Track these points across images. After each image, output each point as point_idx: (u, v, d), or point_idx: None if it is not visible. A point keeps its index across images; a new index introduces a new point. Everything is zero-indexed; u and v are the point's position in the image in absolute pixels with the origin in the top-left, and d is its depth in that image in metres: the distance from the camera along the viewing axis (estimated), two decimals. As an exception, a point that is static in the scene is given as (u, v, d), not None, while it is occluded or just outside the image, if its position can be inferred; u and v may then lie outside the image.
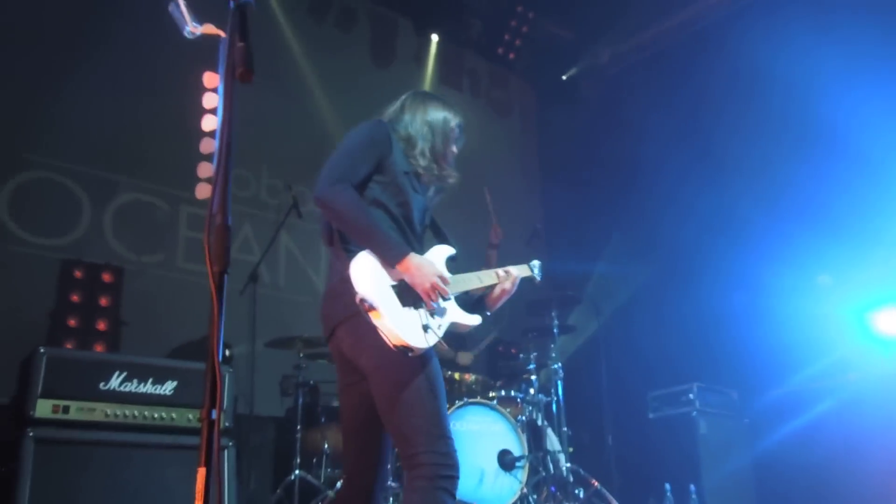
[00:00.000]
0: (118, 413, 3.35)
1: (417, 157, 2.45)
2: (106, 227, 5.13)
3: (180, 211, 5.50)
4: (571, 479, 4.60)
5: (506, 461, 4.33)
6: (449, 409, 3.97)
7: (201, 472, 1.32)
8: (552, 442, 4.75)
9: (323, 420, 4.66)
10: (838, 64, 5.47)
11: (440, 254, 2.47)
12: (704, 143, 6.32)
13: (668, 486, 4.83)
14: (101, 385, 3.35)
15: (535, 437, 4.66)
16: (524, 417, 4.59)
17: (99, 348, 4.50)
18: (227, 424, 3.68)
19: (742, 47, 6.22)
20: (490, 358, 5.92)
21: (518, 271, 2.65)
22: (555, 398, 4.92)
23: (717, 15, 6.83)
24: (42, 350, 3.27)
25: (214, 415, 1.35)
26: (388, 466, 2.84)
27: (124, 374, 3.41)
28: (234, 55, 1.50)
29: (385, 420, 2.21)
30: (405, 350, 2.14)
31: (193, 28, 1.71)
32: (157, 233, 5.35)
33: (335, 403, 4.74)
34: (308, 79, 6.36)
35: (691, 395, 5.40)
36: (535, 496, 4.47)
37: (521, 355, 5.00)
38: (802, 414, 5.26)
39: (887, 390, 4.87)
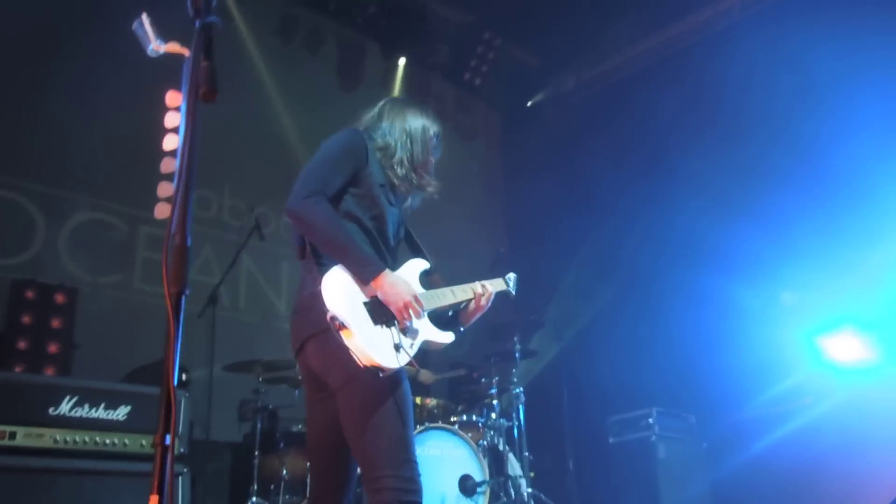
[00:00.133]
0: (68, 439, 3.25)
1: (395, 167, 2.40)
2: (61, 246, 5.01)
3: (139, 231, 5.40)
4: (533, 504, 4.58)
5: (467, 486, 4.29)
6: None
7: (153, 500, 1.28)
8: (513, 467, 4.73)
9: (281, 445, 4.54)
10: (795, 88, 5.65)
11: (414, 269, 2.44)
12: (666, 168, 6.45)
13: (628, 511, 4.86)
14: (51, 410, 3.25)
15: (496, 462, 4.63)
16: (485, 442, 4.57)
17: (50, 371, 4.36)
18: (181, 450, 3.58)
19: (703, 75, 6.41)
20: (451, 382, 5.89)
21: (493, 286, 2.61)
22: (516, 423, 4.91)
23: (679, 45, 7.03)
24: (-12, 373, 3.16)
25: (168, 440, 1.31)
26: (357, 489, 2.78)
27: (75, 398, 3.32)
28: (197, 74, 1.48)
29: (350, 440, 2.17)
30: (376, 370, 2.10)
31: (157, 46, 1.70)
32: (114, 253, 5.24)
33: (295, 428, 4.65)
34: (274, 100, 6.33)
35: (650, 420, 5.46)
36: (496, 522, 4.44)
37: (483, 379, 4.99)
38: (760, 438, 5.34)
39: (844, 414, 4.96)
